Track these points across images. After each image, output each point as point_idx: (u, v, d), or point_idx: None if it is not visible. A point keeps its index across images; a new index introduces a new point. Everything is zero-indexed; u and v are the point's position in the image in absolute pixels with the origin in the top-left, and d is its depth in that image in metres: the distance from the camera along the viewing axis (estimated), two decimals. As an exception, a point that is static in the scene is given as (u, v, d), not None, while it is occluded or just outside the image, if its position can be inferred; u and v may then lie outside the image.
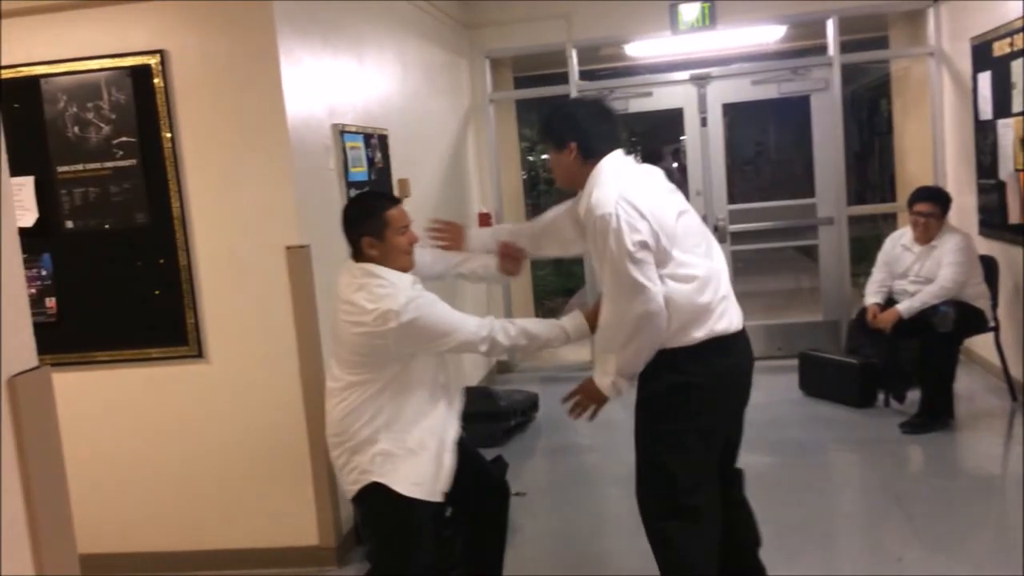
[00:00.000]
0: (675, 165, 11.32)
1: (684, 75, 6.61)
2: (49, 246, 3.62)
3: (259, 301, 3.56)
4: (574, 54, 6.50)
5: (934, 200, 4.78)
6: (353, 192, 3.93)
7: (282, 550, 3.67)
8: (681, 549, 2.54)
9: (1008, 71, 4.85)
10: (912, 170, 6.72)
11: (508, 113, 7.34)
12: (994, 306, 4.86)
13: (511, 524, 2.95)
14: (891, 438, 4.63)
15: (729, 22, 6.27)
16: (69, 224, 3.60)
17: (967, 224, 5.41)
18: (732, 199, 6.74)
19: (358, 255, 2.60)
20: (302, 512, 3.63)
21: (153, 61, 3.47)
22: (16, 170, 3.35)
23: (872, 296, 4.94)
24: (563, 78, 6.60)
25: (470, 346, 2.58)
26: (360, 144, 4.16)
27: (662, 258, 2.40)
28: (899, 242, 4.94)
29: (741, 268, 7.71)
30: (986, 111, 5.26)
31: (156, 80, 3.48)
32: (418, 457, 2.57)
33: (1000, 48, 4.98)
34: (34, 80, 3.53)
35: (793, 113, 8.31)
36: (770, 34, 7.01)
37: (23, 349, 1.48)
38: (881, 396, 5.14)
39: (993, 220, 5.27)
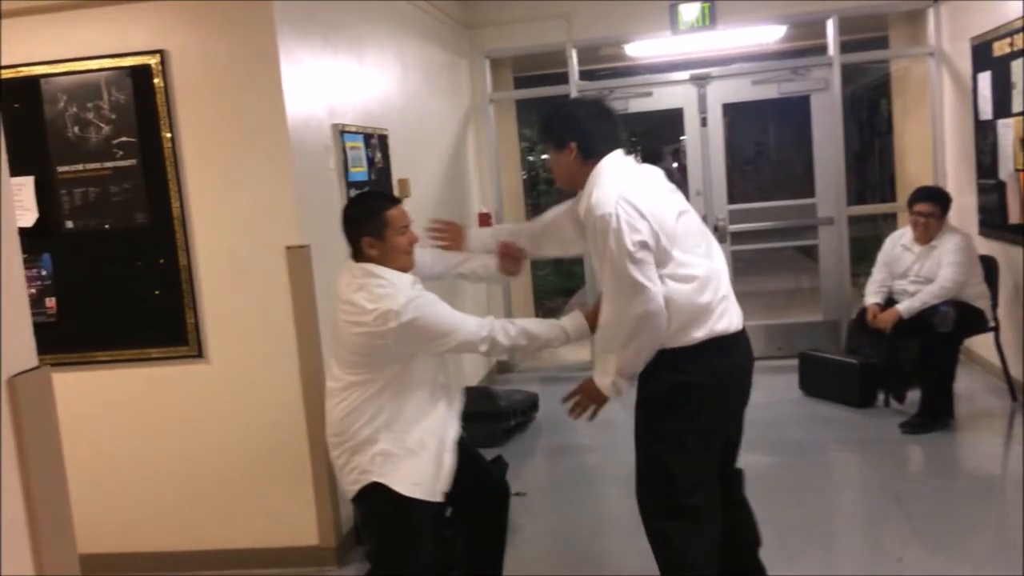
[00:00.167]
0: (675, 165, 11.31)
1: (684, 75, 6.61)
2: (49, 246, 3.62)
3: (259, 301, 3.56)
4: (574, 54, 6.50)
5: (934, 200, 4.78)
6: (353, 192, 3.93)
7: (282, 550, 3.67)
8: (681, 549, 2.54)
9: (1008, 71, 4.85)
10: (912, 170, 6.72)
11: (508, 113, 7.34)
12: (994, 306, 4.86)
13: (511, 524, 2.95)
14: (891, 438, 4.63)
15: (729, 22, 6.27)
16: (69, 224, 3.60)
17: (967, 224, 5.41)
18: (732, 199, 6.74)
19: (358, 255, 2.60)
20: (302, 512, 3.63)
21: (153, 61, 3.47)
22: (16, 170, 3.35)
23: (872, 296, 4.94)
24: (563, 78, 6.60)
25: (470, 346, 2.58)
26: (360, 144, 4.15)
27: (662, 258, 2.40)
28: (899, 242, 4.94)
29: (741, 268, 7.71)
30: (986, 111, 5.26)
31: (156, 80, 3.48)
32: (418, 457, 2.57)
33: (1000, 48, 4.98)
34: (34, 80, 3.53)
35: (793, 113, 8.32)
36: (770, 34, 7.01)
37: (23, 349, 1.48)
38: (881, 396, 5.14)
39: (993, 220, 5.27)
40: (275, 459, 3.63)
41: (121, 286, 3.61)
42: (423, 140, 5.37)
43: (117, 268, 3.60)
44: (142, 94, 3.49)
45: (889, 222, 7.74)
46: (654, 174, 2.60)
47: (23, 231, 3.44)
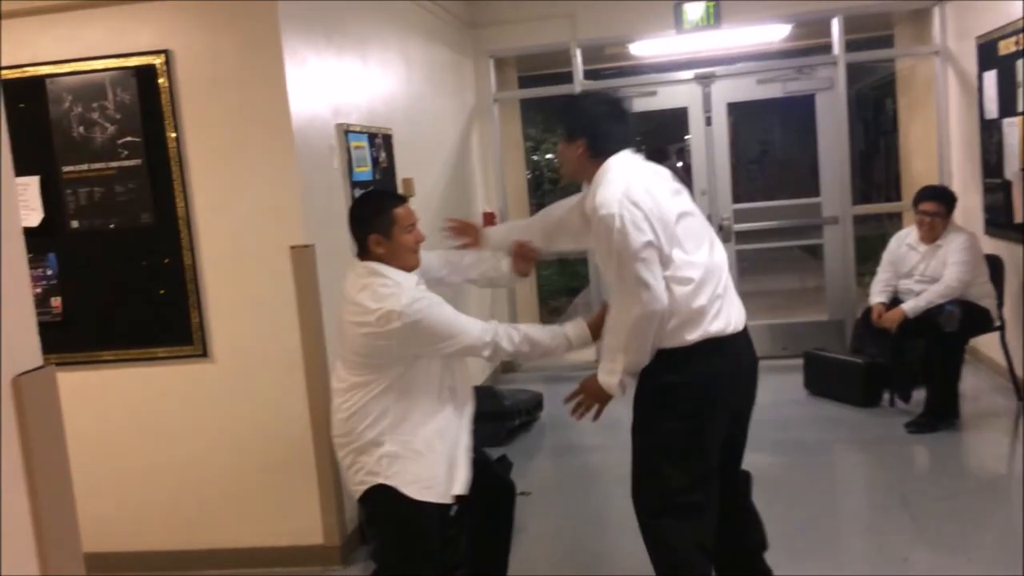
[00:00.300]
0: (679, 164, 11.31)
1: (689, 74, 6.61)
2: (54, 246, 3.62)
3: (264, 301, 3.56)
4: (578, 53, 6.50)
5: (939, 199, 4.77)
6: (358, 192, 3.94)
7: (287, 549, 3.67)
8: (673, 546, 2.54)
9: (1013, 70, 4.84)
10: (917, 169, 6.71)
11: (512, 112, 7.34)
12: (1000, 305, 4.85)
13: (515, 524, 2.95)
14: (896, 438, 4.62)
15: (734, 21, 6.26)
16: (74, 224, 3.61)
17: (973, 223, 5.40)
18: (737, 198, 6.74)
19: (364, 253, 2.60)
20: (307, 511, 3.64)
21: (158, 61, 3.47)
22: (21, 170, 3.35)
23: (877, 295, 4.93)
24: (567, 77, 6.60)
25: (473, 351, 2.58)
26: (364, 144, 4.16)
27: (663, 259, 2.40)
28: (904, 241, 4.93)
29: (746, 267, 7.69)
30: (991, 110, 5.25)
31: (161, 80, 3.48)
32: (425, 459, 2.56)
33: (1005, 47, 4.97)
34: (39, 80, 3.54)
35: (798, 112, 8.30)
36: (775, 33, 7.00)
37: (28, 348, 1.48)
38: (886, 396, 5.12)
39: (999, 219, 5.25)
40: (280, 458, 3.63)
41: (126, 286, 3.62)
42: (427, 140, 5.37)
43: (122, 268, 3.61)
44: (147, 94, 3.49)
45: (894, 221, 7.71)
46: (660, 174, 2.59)
47: (28, 231, 3.43)
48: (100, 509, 3.57)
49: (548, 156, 14.09)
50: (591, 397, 2.60)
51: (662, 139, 13.07)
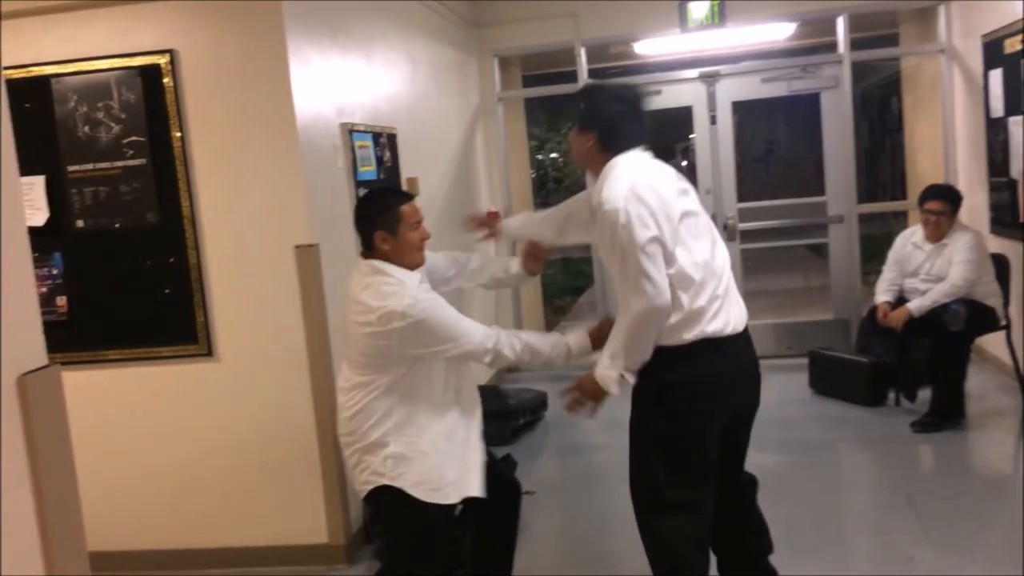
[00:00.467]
0: (684, 163, 11.30)
1: (693, 73, 6.60)
2: (60, 245, 3.63)
3: (269, 300, 3.57)
4: (583, 52, 6.49)
5: (945, 198, 4.76)
6: (362, 191, 3.94)
7: (291, 548, 3.67)
8: (670, 545, 2.53)
9: (1019, 68, 4.82)
10: (923, 168, 6.69)
11: (517, 112, 7.34)
12: (1005, 304, 4.83)
13: (520, 523, 2.95)
14: (902, 437, 4.61)
15: (738, 20, 6.25)
16: (80, 223, 3.61)
17: (978, 222, 5.38)
18: (742, 197, 6.72)
19: (370, 250, 2.60)
20: (311, 510, 3.64)
21: (163, 61, 3.48)
22: (27, 169, 3.35)
23: (883, 294, 4.92)
24: (572, 76, 6.60)
25: (474, 356, 2.58)
26: (369, 143, 4.16)
27: (666, 256, 2.40)
28: (910, 240, 4.92)
29: (751, 266, 7.69)
30: (997, 109, 5.23)
31: (166, 80, 3.49)
32: (431, 460, 2.56)
33: (1011, 45, 4.95)
34: (44, 80, 3.55)
35: (803, 111, 8.28)
36: (780, 32, 6.98)
37: (33, 348, 1.49)
38: (892, 395, 5.11)
39: (1004, 218, 5.24)
40: (284, 457, 3.64)
41: (131, 285, 3.62)
42: (432, 139, 5.37)
43: (127, 267, 3.61)
44: (152, 93, 3.50)
45: (900, 220, 7.72)
46: (667, 172, 2.58)
47: (34, 230, 3.46)
48: (104, 508, 3.58)
49: (553, 155, 14.10)
50: (587, 394, 2.58)
51: (667, 138, 13.06)
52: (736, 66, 6.68)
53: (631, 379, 2.50)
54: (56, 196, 3.60)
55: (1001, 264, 4.93)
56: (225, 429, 3.67)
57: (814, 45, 7.57)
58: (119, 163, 3.55)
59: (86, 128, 3.55)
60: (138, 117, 3.52)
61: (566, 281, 10.69)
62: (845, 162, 6.33)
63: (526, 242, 2.97)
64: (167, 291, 3.60)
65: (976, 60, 5.56)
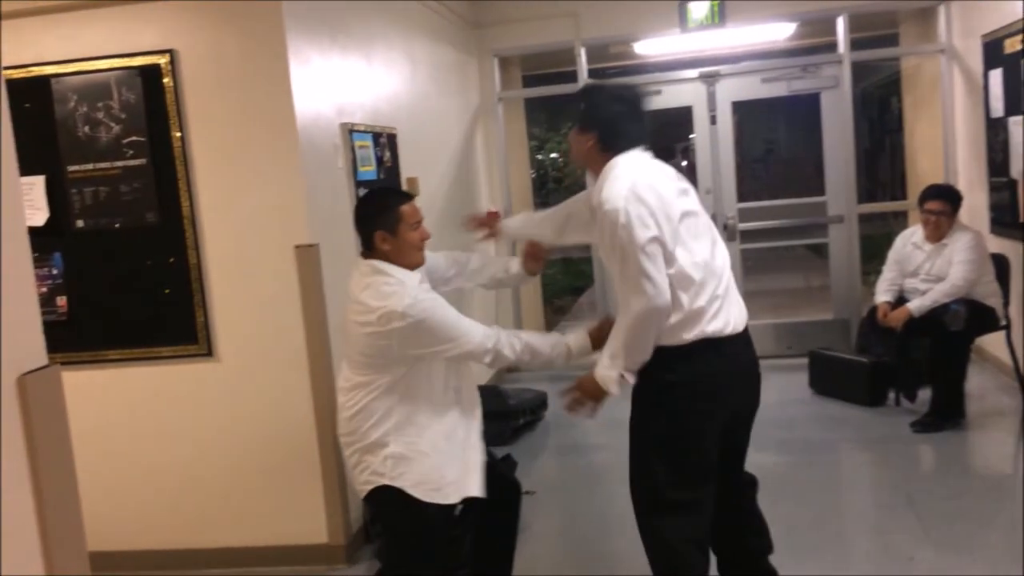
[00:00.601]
0: (684, 164, 11.30)
1: (693, 73, 6.60)
2: (60, 245, 3.63)
3: (269, 300, 3.57)
4: (583, 52, 6.49)
5: (945, 198, 4.75)
6: (362, 191, 3.94)
7: (291, 548, 3.67)
8: (670, 544, 2.53)
9: (1019, 68, 4.82)
10: (923, 168, 6.69)
11: (517, 112, 7.34)
12: (1005, 304, 4.83)
13: (520, 522, 2.95)
14: (902, 437, 4.61)
15: (738, 20, 6.25)
16: (80, 223, 3.61)
17: (978, 222, 5.38)
18: (742, 197, 6.72)
19: (370, 250, 2.60)
20: (311, 510, 3.64)
21: (163, 61, 3.48)
22: (27, 169, 3.35)
23: (883, 294, 4.92)
24: (572, 76, 6.60)
25: (474, 356, 2.58)
26: (369, 143, 4.16)
27: (666, 256, 2.40)
28: (910, 240, 4.92)
29: (751, 266, 7.69)
30: (997, 109, 5.23)
31: (166, 79, 3.49)
32: (431, 460, 2.56)
33: (1011, 45, 4.95)
34: (44, 80, 3.55)
35: (803, 111, 8.28)
36: (780, 32, 6.98)
37: (33, 348, 1.49)
38: (892, 395, 5.11)
39: (1004, 218, 5.24)
40: (284, 457, 3.64)
41: (131, 285, 3.62)
42: (432, 139, 5.37)
43: (127, 267, 3.61)
44: (152, 93, 3.50)
45: (900, 220, 7.72)
46: (667, 173, 2.58)
47: (34, 230, 3.46)
48: (104, 507, 3.58)
49: (553, 155, 14.10)
50: (587, 394, 2.58)
51: (667, 138, 13.07)
52: (736, 66, 6.68)
53: (631, 379, 2.50)
54: (56, 196, 3.60)
55: (1001, 264, 4.93)
56: (225, 429, 3.67)
57: (814, 45, 7.57)
58: (119, 163, 3.55)
59: (86, 128, 3.55)
60: (138, 117, 3.52)
61: (566, 281, 10.69)
62: (845, 162, 6.33)
63: (526, 242, 2.97)
64: (167, 291, 3.60)
65: (976, 60, 5.56)
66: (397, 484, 2.53)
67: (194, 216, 3.55)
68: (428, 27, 5.47)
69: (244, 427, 3.65)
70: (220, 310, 3.60)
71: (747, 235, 6.58)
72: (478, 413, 2.74)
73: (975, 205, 5.58)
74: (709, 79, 6.52)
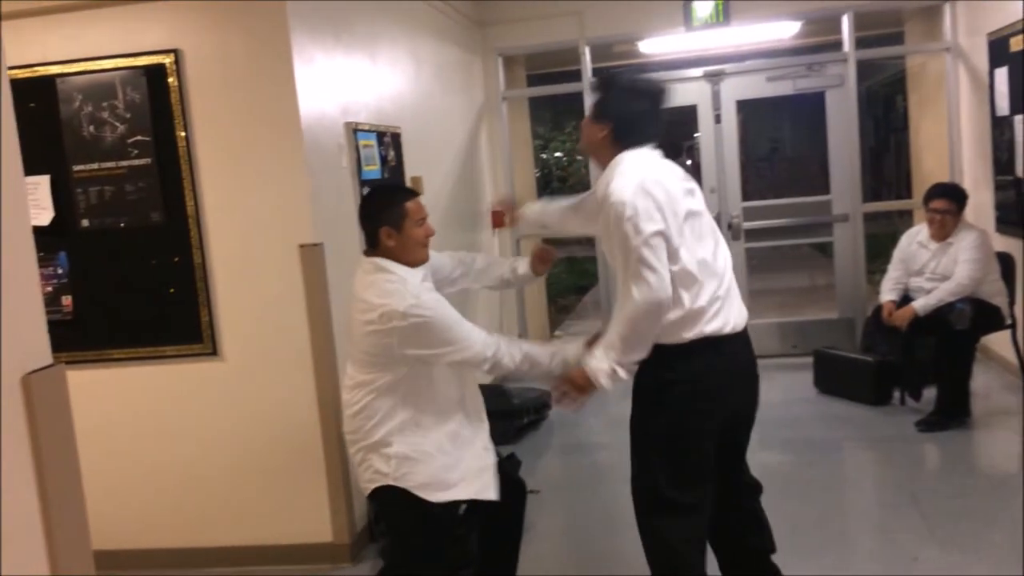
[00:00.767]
0: (688, 162, 11.29)
1: (698, 72, 6.59)
2: (65, 244, 3.64)
3: (273, 299, 3.57)
4: (587, 51, 6.49)
5: (950, 197, 4.74)
6: (366, 191, 3.94)
7: (296, 547, 3.68)
8: (669, 544, 2.53)
9: (1025, 66, 4.82)
10: (928, 166, 6.67)
11: (521, 111, 7.33)
12: (1011, 303, 4.82)
13: (524, 522, 2.95)
14: (907, 436, 4.60)
15: (743, 18, 6.24)
16: (85, 223, 3.62)
17: (984, 221, 5.37)
18: (746, 196, 6.72)
19: (374, 247, 2.60)
20: (316, 509, 3.64)
21: (167, 60, 3.49)
22: (32, 169, 3.38)
23: (888, 293, 4.91)
24: (576, 75, 6.60)
25: (473, 363, 2.57)
26: (373, 142, 4.16)
27: (670, 252, 2.40)
28: (915, 239, 4.91)
29: (755, 265, 7.68)
30: (1003, 107, 5.22)
31: (170, 79, 3.49)
32: (436, 460, 2.56)
33: (1017, 43, 4.94)
34: (50, 80, 3.55)
35: (808, 110, 8.28)
36: (785, 30, 6.98)
37: (38, 347, 1.49)
38: (897, 394, 5.10)
39: (1010, 217, 5.22)
40: (289, 456, 3.64)
41: (136, 284, 3.63)
42: (436, 138, 5.37)
43: (132, 266, 3.62)
44: (157, 93, 3.50)
45: (905, 219, 7.70)
46: (674, 171, 2.58)
47: (39, 230, 3.47)
48: (109, 506, 3.59)
49: (557, 154, 14.10)
50: (575, 387, 2.54)
51: (671, 137, 13.08)
52: (741, 65, 6.67)
53: (623, 374, 2.46)
54: (61, 196, 3.61)
55: (1007, 263, 4.92)
56: (229, 428, 3.67)
57: (819, 43, 7.56)
58: (124, 163, 3.56)
59: (91, 128, 3.56)
60: (143, 117, 3.53)
61: (570, 280, 10.69)
62: (850, 161, 6.31)
63: (536, 246, 2.96)
64: (172, 290, 3.61)
65: (982, 58, 5.55)
66: (401, 484, 2.53)
67: (199, 216, 3.56)
68: (432, 26, 5.48)
69: (248, 426, 3.66)
70: (225, 309, 3.61)
71: (752, 234, 6.57)
72: (484, 416, 2.74)
73: (980, 204, 5.56)
74: (713, 78, 6.51)
